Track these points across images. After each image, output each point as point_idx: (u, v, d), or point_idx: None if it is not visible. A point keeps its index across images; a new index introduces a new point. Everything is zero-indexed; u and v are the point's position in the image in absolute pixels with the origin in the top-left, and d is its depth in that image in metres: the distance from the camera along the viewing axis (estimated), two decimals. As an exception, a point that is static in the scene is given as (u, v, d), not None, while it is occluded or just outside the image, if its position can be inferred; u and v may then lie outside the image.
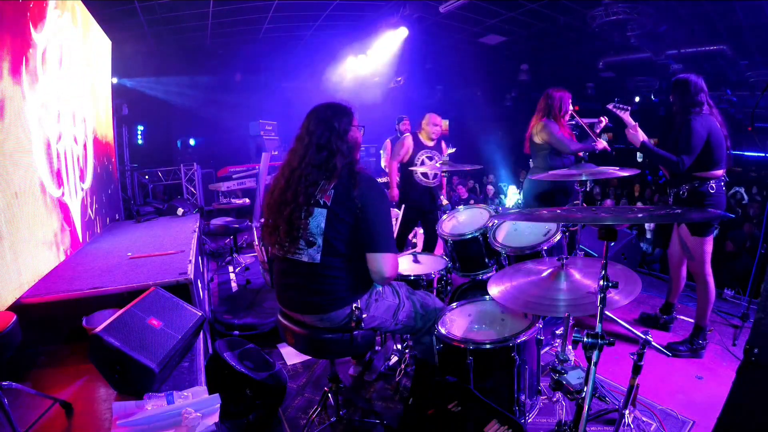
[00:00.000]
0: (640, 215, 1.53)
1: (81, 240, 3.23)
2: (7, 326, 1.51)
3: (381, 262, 1.68)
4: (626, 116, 2.75)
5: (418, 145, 4.05)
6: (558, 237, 2.40)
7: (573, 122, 3.36)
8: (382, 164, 5.50)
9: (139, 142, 9.30)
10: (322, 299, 1.72)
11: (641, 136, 2.69)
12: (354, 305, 1.75)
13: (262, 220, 1.84)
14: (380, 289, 1.86)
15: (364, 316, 1.76)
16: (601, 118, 3.37)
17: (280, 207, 1.71)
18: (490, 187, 9.62)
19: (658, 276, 4.15)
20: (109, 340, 1.59)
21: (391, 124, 5.88)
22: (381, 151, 5.67)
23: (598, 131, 3.28)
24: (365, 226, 1.66)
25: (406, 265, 2.63)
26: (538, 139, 3.31)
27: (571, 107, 3.36)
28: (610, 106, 2.81)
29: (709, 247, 2.56)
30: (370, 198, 1.66)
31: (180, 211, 4.66)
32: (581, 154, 3.21)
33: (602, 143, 3.26)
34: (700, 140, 2.44)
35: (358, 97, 9.27)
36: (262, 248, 4.03)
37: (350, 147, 1.75)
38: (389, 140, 5.42)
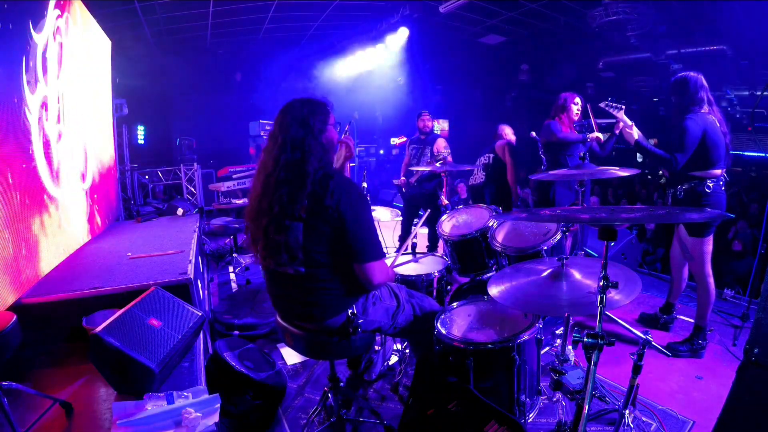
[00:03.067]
0: (639, 215, 1.53)
1: (81, 240, 3.23)
2: (7, 326, 1.51)
3: (368, 272, 1.62)
4: (620, 114, 2.76)
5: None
6: (558, 237, 2.40)
7: (585, 122, 3.45)
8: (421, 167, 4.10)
9: (140, 142, 9.30)
10: (314, 310, 1.69)
11: (636, 134, 2.70)
12: (349, 311, 1.71)
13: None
14: (377, 291, 1.83)
15: (360, 321, 1.73)
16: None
17: (258, 216, 1.63)
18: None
19: (659, 276, 4.14)
20: (109, 340, 1.59)
21: (390, 124, 5.81)
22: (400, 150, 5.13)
23: (617, 131, 3.29)
24: (346, 237, 1.57)
25: (406, 265, 2.63)
26: (543, 139, 3.56)
27: (576, 104, 3.49)
28: (602, 105, 2.83)
29: (708, 247, 2.56)
30: (348, 205, 1.55)
31: (180, 211, 4.66)
32: (581, 154, 3.22)
33: (595, 135, 3.37)
34: (694, 139, 2.43)
35: (357, 97, 9.28)
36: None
37: (325, 149, 1.63)
38: (407, 139, 4.89)
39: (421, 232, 4.40)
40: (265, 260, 1.67)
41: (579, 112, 3.49)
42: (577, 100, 3.49)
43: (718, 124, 2.49)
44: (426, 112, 4.71)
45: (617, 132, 3.15)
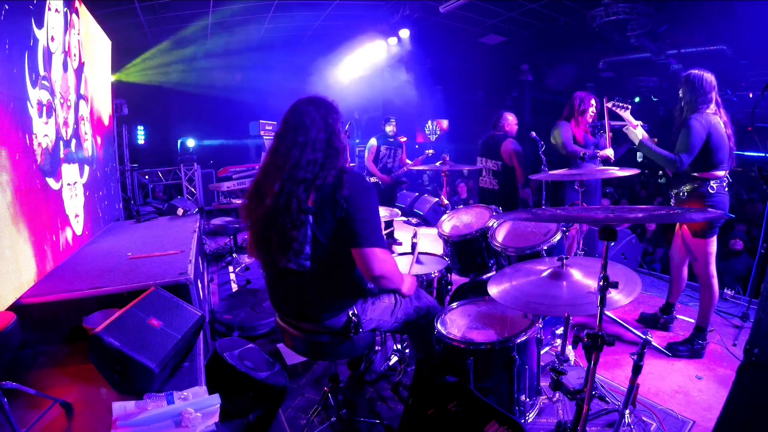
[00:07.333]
0: (640, 215, 1.53)
1: (81, 240, 3.23)
2: (7, 326, 1.51)
3: (368, 257, 1.54)
4: (626, 114, 2.76)
5: None
6: (558, 237, 2.40)
7: (599, 123, 3.46)
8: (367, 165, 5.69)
9: (140, 142, 9.30)
10: (315, 309, 1.69)
11: (640, 134, 2.69)
12: (350, 312, 1.71)
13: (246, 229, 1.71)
14: (375, 290, 1.82)
15: (364, 320, 1.74)
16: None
17: (271, 217, 1.59)
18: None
19: (658, 276, 4.14)
20: (109, 340, 1.59)
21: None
22: (365, 152, 5.87)
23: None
24: (349, 221, 1.55)
25: (406, 265, 2.63)
26: (552, 140, 3.58)
27: (593, 106, 3.52)
28: (608, 104, 2.83)
29: (711, 248, 2.55)
30: (357, 194, 1.56)
31: (180, 211, 4.65)
32: (581, 153, 3.23)
33: (606, 153, 3.40)
34: (699, 140, 2.42)
35: (357, 96, 9.28)
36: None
37: (345, 148, 1.66)
38: (375, 139, 5.52)
39: (423, 233, 4.38)
40: (274, 257, 1.62)
41: (594, 114, 3.56)
42: (593, 101, 3.53)
43: (723, 126, 2.47)
44: (392, 117, 5.46)
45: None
